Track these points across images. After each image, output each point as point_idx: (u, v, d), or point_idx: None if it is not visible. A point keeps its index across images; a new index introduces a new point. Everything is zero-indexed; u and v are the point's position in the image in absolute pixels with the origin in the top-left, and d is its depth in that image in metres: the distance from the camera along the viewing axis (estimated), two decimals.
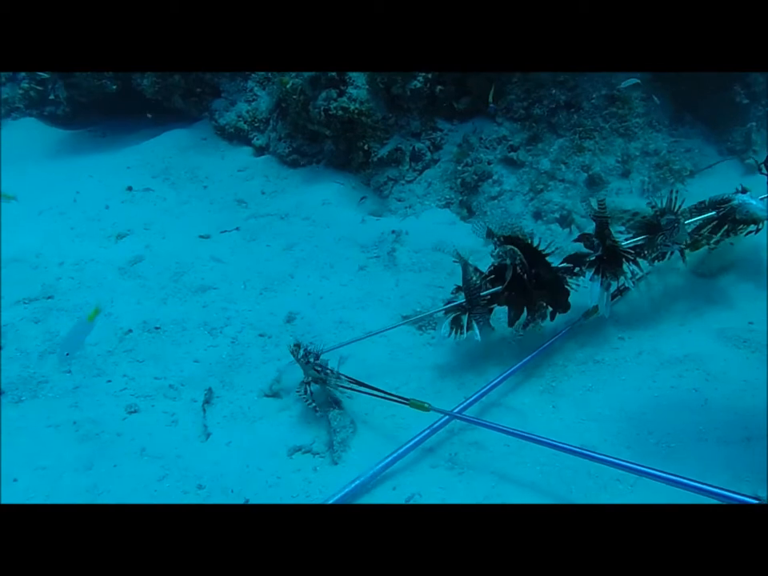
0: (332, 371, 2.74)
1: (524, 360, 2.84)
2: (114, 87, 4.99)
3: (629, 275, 2.85)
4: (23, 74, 5.49)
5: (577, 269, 2.88)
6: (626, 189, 3.63)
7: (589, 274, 2.81)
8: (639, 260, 2.89)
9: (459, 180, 3.98)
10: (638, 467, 2.10)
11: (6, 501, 2.38)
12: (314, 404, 2.69)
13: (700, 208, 3.09)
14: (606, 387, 2.77)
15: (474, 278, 2.82)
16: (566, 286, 2.85)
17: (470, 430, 2.65)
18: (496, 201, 3.82)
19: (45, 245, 3.91)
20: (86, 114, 5.31)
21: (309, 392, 2.73)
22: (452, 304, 2.89)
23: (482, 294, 2.82)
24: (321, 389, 2.77)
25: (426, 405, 2.55)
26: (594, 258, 2.81)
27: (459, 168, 3.99)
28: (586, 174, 3.72)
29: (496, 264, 2.86)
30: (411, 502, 2.36)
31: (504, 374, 2.77)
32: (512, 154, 3.87)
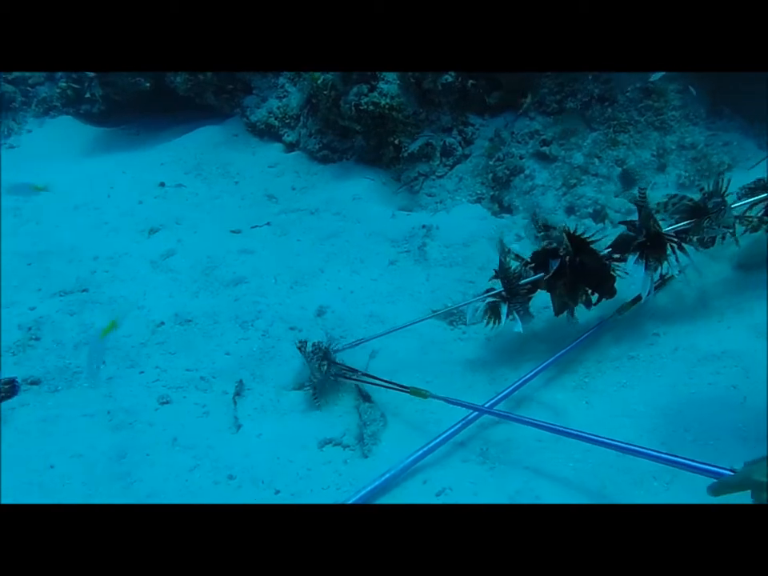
0: (336, 363, 2.79)
1: (557, 355, 2.80)
2: (148, 85, 5.05)
3: (674, 262, 2.77)
4: (60, 72, 5.58)
5: (618, 255, 2.82)
6: (662, 183, 3.56)
7: (632, 259, 2.75)
8: (685, 246, 2.81)
9: (491, 175, 3.95)
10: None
11: (46, 485, 2.42)
12: (315, 393, 2.72)
13: (752, 188, 2.99)
14: (640, 383, 2.72)
15: (514, 266, 2.78)
16: (612, 273, 2.79)
17: (501, 425, 2.62)
18: (528, 196, 3.78)
19: (80, 239, 3.97)
20: (120, 112, 5.37)
21: (313, 383, 2.75)
22: (490, 292, 2.84)
23: (521, 282, 2.77)
24: (324, 381, 2.79)
25: (424, 392, 2.56)
26: (637, 243, 2.75)
27: (491, 163, 3.96)
28: (620, 169, 3.66)
29: (539, 249, 2.82)
30: (442, 497, 2.35)
31: (536, 369, 2.74)
32: (544, 148, 3.83)
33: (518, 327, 2.75)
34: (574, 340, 2.86)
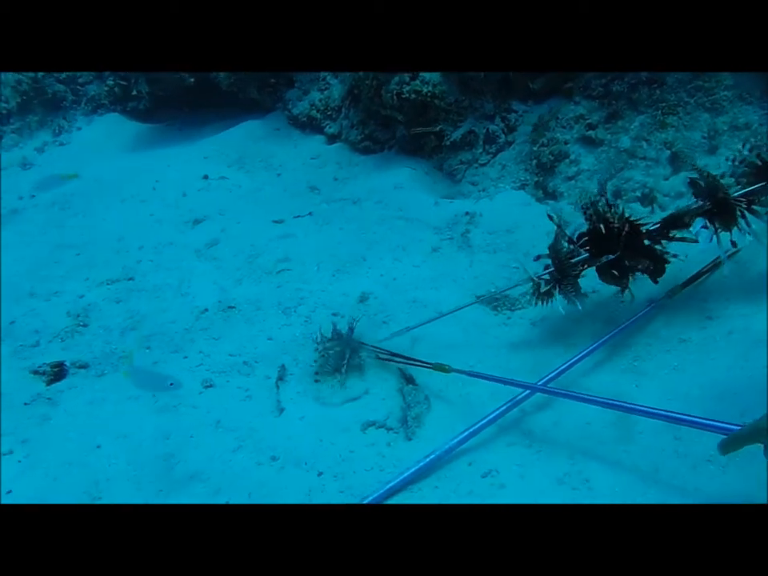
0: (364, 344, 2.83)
1: (604, 338, 2.72)
2: (192, 80, 5.11)
3: (743, 226, 2.64)
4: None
5: (673, 232, 2.72)
6: (713, 165, 3.44)
7: (699, 223, 2.64)
8: (756, 207, 2.66)
9: (534, 161, 3.88)
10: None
11: (91, 464, 2.45)
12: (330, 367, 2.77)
13: None
14: (693, 367, 2.62)
15: (565, 246, 2.72)
16: (661, 253, 2.71)
17: (547, 409, 2.57)
18: (573, 181, 3.70)
19: (126, 230, 4.03)
20: (165, 109, 5.45)
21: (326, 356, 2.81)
22: (544, 273, 2.78)
23: (573, 260, 2.70)
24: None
25: (446, 367, 2.55)
26: (702, 209, 2.64)
27: (535, 149, 3.89)
28: (669, 151, 3.55)
29: (589, 229, 2.75)
30: (488, 478, 2.30)
31: (584, 352, 2.67)
32: (590, 132, 3.74)
33: (565, 307, 2.68)
34: (621, 323, 2.78)
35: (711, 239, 2.66)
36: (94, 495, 2.36)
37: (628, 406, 2.20)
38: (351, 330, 2.83)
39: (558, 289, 2.71)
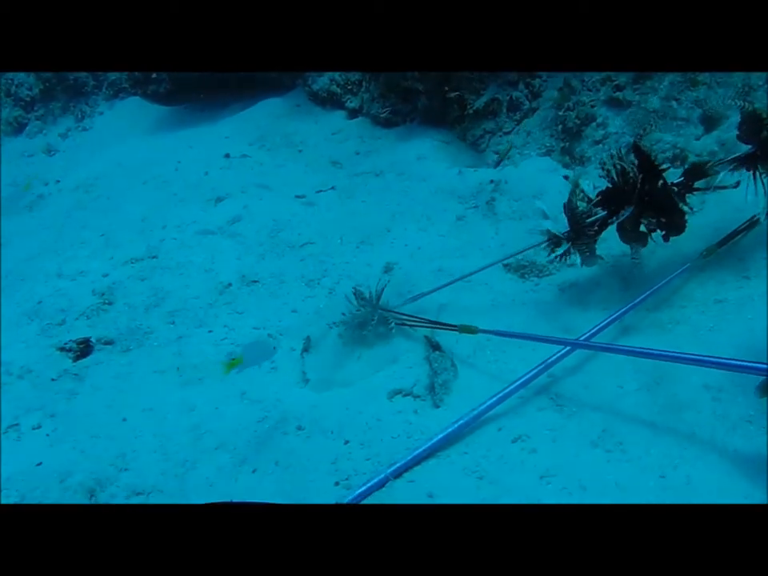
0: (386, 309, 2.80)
1: (636, 301, 2.64)
2: None
3: None
4: None
5: (697, 183, 2.62)
6: None
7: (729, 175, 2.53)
8: None
9: (560, 126, 3.78)
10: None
11: (118, 437, 2.45)
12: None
13: None
14: (730, 327, 2.53)
15: (582, 206, 2.63)
16: (681, 206, 2.60)
17: (579, 372, 2.50)
18: (601, 145, 3.60)
19: (149, 210, 4.02)
20: (186, 91, 5.43)
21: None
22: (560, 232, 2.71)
23: (588, 220, 2.62)
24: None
25: (473, 328, 2.50)
26: (746, 154, 2.53)
27: (560, 114, 3.79)
28: (700, 110, 3.43)
29: (607, 188, 2.66)
30: (518, 443, 2.24)
31: (615, 315, 2.59)
32: (618, 94, 3.63)
33: (589, 263, 2.61)
34: (654, 286, 2.70)
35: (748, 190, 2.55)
36: (120, 467, 2.35)
37: (669, 354, 2.13)
38: (378, 296, 2.79)
39: (571, 248, 2.62)
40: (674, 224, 2.61)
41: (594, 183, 3.38)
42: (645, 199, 2.55)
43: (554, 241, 2.65)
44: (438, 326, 2.62)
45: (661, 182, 2.57)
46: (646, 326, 2.64)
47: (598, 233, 2.66)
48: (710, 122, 3.42)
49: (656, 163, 2.56)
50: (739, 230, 2.81)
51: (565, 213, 2.66)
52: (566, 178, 2.70)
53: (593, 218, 2.62)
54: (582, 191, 2.66)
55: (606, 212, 2.63)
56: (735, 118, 3.38)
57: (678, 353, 2.14)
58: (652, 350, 2.20)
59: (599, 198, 2.67)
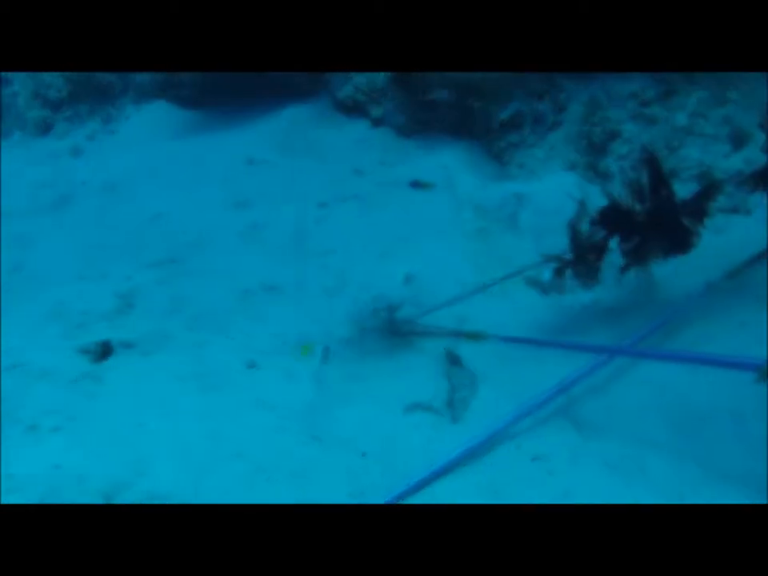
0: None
1: (656, 322, 2.61)
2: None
3: None
4: None
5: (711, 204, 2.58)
6: None
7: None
8: None
9: (585, 141, 3.75)
10: None
11: (134, 442, 2.45)
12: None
13: None
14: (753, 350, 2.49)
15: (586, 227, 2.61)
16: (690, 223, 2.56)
17: (601, 392, 2.48)
18: (626, 160, 3.57)
19: (172, 214, 4.05)
20: (211, 95, 5.46)
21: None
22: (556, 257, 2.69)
23: (591, 242, 2.59)
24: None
25: (482, 334, 2.49)
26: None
27: (585, 128, 3.77)
28: (728, 128, 3.39)
29: (608, 205, 2.62)
30: (537, 462, 2.22)
31: (637, 336, 2.56)
32: (644, 109, 3.60)
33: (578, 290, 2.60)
34: (676, 307, 2.67)
35: None
36: (137, 472, 2.35)
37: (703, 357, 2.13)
38: (394, 310, 2.78)
39: (570, 271, 2.61)
40: (679, 242, 2.57)
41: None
42: (651, 219, 2.51)
43: (555, 262, 2.64)
44: (450, 333, 2.60)
45: (669, 196, 2.54)
46: (667, 348, 2.61)
47: (600, 256, 2.63)
48: (738, 140, 3.39)
49: (665, 176, 2.53)
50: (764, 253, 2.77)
51: (568, 234, 2.64)
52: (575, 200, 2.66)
53: (594, 240, 2.59)
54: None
55: (607, 235, 2.60)
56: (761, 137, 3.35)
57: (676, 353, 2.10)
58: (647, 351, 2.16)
59: (601, 218, 2.63)
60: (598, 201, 3.22)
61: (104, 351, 2.94)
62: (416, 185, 3.86)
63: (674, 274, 2.79)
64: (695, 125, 3.46)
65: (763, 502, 1.90)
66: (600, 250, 2.62)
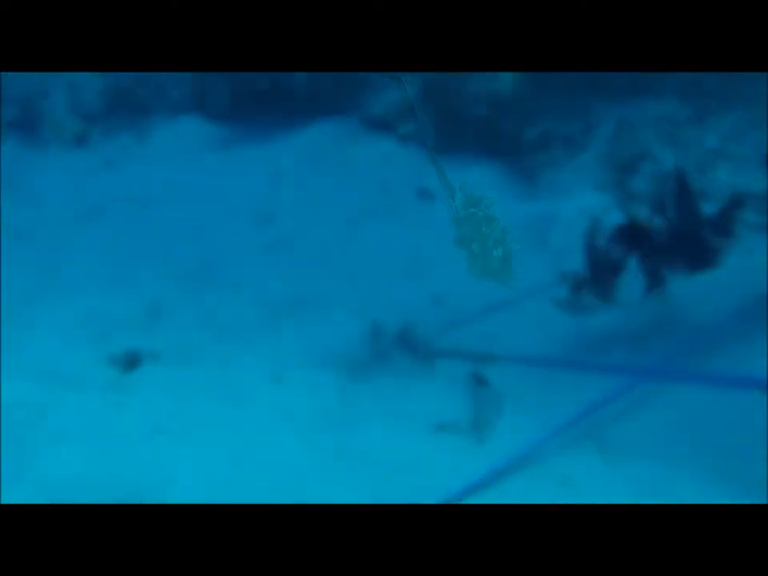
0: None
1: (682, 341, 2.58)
2: (266, 84, 5.18)
3: None
4: (189, 74, 5.83)
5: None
6: None
7: None
8: None
9: (614, 161, 3.74)
10: None
11: (161, 451, 2.47)
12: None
13: None
14: None
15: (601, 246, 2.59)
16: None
17: (626, 419, 2.45)
18: (655, 181, 3.55)
19: (201, 227, 4.10)
20: (242, 110, 5.53)
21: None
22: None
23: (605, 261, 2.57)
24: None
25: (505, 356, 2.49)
26: None
27: (615, 149, 3.76)
28: (761, 150, 3.36)
29: (627, 222, 2.59)
30: (562, 485, 2.20)
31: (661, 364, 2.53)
32: (674, 130, 3.58)
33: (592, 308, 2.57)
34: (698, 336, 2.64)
35: None
36: (160, 482, 2.37)
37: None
38: (420, 328, 2.78)
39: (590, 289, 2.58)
40: (704, 260, 2.54)
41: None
42: (674, 237, 2.49)
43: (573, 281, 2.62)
44: (480, 355, 2.58)
45: (694, 214, 2.51)
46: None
47: (615, 273, 2.61)
48: None
49: (691, 194, 2.50)
50: None
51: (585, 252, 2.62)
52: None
53: (609, 260, 2.57)
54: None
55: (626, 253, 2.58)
56: None
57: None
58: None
59: (619, 236, 2.61)
60: (623, 220, 3.23)
61: (131, 361, 2.97)
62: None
63: (698, 292, 2.76)
64: (726, 147, 3.43)
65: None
66: (617, 267, 2.60)
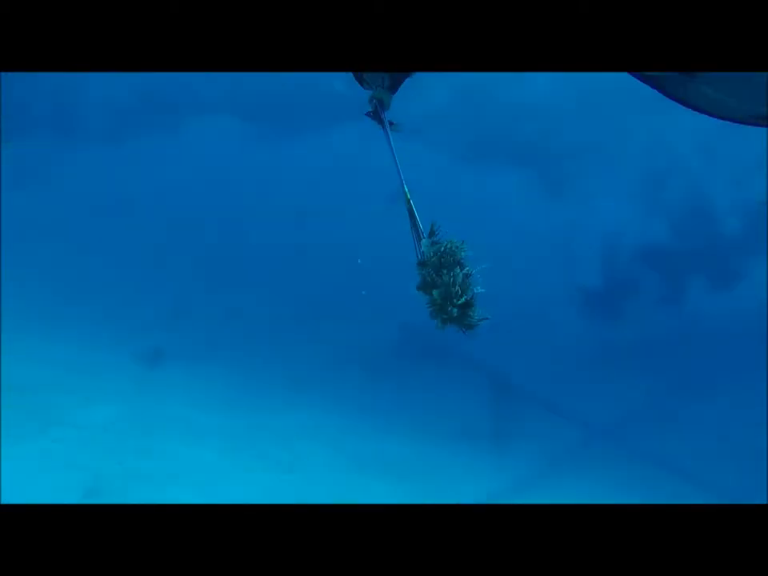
0: None
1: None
2: (293, 83, 5.19)
3: None
4: (220, 74, 5.87)
5: None
6: None
7: None
8: None
9: (646, 172, 3.69)
10: None
11: (184, 447, 2.47)
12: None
13: None
14: None
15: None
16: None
17: (644, 441, 2.41)
18: (689, 189, 3.50)
19: (226, 227, 4.12)
20: (271, 111, 5.56)
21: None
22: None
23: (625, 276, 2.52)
24: None
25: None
26: None
27: (648, 160, 3.70)
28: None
29: None
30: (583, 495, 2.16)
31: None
32: (708, 140, 3.52)
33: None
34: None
35: None
36: (185, 478, 2.37)
37: None
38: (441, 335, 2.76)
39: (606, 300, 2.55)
40: (725, 279, 2.49)
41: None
42: (695, 255, 2.44)
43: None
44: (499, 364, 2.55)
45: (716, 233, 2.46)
46: None
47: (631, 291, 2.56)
48: None
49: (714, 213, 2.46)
50: None
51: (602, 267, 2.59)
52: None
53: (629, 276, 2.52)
54: None
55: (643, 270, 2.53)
56: None
57: None
58: None
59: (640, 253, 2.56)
60: (653, 233, 3.19)
61: (157, 357, 2.98)
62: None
63: (720, 311, 2.71)
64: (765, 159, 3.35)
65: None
66: (633, 284, 2.57)
